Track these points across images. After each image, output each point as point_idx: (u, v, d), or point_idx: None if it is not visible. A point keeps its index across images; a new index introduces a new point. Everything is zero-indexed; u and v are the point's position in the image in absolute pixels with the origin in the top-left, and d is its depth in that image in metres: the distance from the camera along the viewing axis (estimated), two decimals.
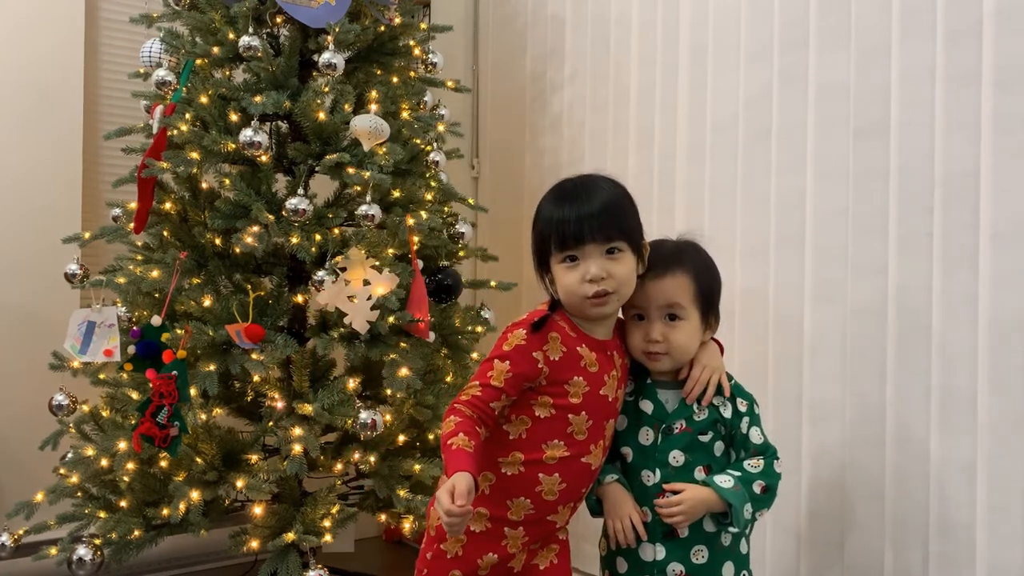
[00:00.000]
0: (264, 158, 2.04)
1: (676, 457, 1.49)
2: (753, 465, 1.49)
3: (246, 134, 1.98)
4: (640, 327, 1.52)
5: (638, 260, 1.46)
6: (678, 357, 1.51)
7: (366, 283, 2.00)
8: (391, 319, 2.02)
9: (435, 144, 2.35)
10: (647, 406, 1.53)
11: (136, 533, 2.03)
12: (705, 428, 1.50)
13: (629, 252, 1.43)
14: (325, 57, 2.04)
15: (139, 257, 2.21)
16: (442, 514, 1.23)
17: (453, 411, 1.39)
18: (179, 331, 1.95)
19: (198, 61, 2.19)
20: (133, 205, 2.14)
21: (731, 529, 1.47)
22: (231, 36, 2.11)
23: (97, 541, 2.04)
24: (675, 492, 1.46)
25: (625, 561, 1.52)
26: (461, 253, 2.39)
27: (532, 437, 1.42)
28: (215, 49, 2.15)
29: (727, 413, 1.52)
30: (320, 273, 1.98)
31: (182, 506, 1.90)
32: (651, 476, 1.50)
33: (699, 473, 1.48)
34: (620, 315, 1.55)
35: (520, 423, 1.43)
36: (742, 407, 1.53)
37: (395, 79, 2.31)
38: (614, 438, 1.54)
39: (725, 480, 1.46)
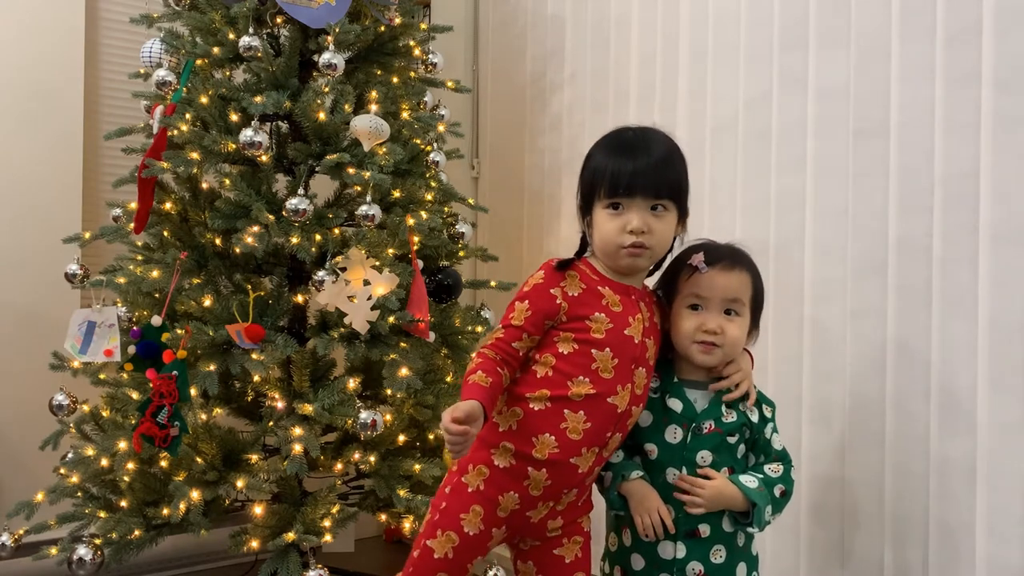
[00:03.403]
0: (264, 158, 2.04)
1: (704, 457, 1.50)
2: (773, 470, 1.52)
3: (246, 134, 1.99)
4: (695, 316, 1.52)
5: (680, 222, 1.51)
6: (729, 352, 1.52)
7: (366, 283, 2.00)
8: (391, 319, 2.02)
9: (435, 144, 2.35)
10: (676, 404, 1.53)
11: (136, 533, 2.03)
12: (734, 430, 1.51)
13: (673, 212, 1.47)
14: (325, 57, 2.04)
15: (139, 257, 2.21)
16: (443, 432, 1.28)
17: (478, 354, 1.44)
18: (179, 331, 1.95)
19: (198, 61, 2.20)
20: (133, 205, 2.14)
21: (749, 529, 1.48)
22: (231, 36, 2.12)
23: (97, 541, 2.04)
24: (706, 478, 1.48)
25: (642, 558, 1.52)
26: (461, 253, 2.39)
27: (558, 373, 1.43)
28: (215, 49, 2.15)
29: (754, 417, 1.53)
30: (320, 273, 1.98)
31: (182, 506, 1.90)
32: (677, 475, 1.50)
33: (724, 474, 1.49)
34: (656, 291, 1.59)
35: (546, 362, 1.45)
36: (767, 413, 1.55)
37: (395, 79, 2.31)
38: (636, 434, 1.54)
39: (750, 480, 1.48)
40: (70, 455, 2.14)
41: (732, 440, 1.51)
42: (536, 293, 1.45)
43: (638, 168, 1.43)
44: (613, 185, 1.43)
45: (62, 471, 2.13)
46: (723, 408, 1.51)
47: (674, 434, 1.51)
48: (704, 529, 1.48)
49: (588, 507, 1.57)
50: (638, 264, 1.47)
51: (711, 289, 1.51)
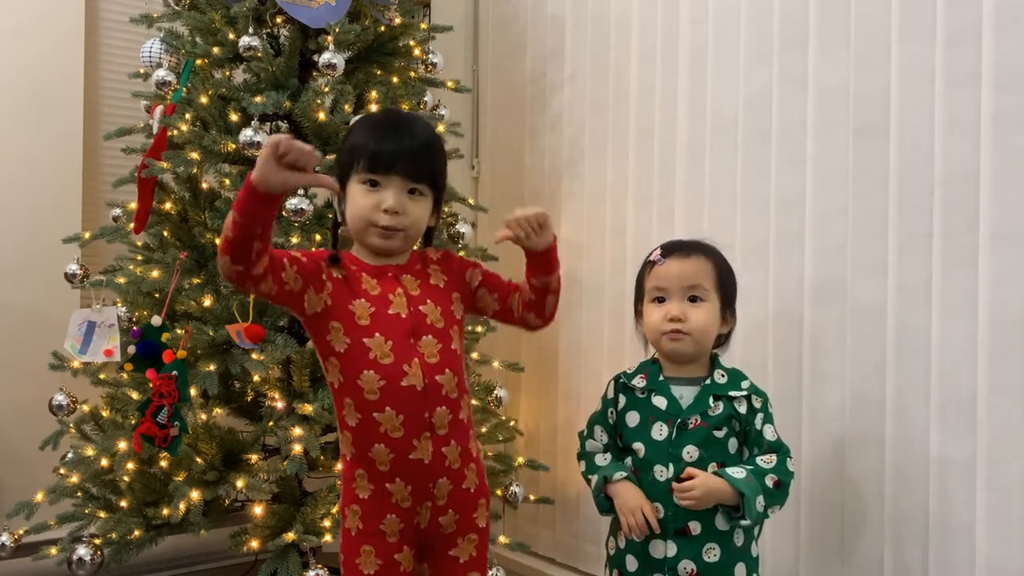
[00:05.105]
0: None
1: (690, 452, 1.50)
2: (766, 461, 1.51)
3: (246, 134, 1.98)
4: (659, 308, 1.54)
5: (434, 211, 1.48)
6: (699, 339, 1.53)
7: None
8: None
9: None
10: (660, 401, 1.54)
11: (136, 533, 2.03)
12: (720, 424, 1.51)
13: (429, 198, 1.45)
14: (325, 57, 2.04)
15: (139, 257, 2.21)
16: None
17: None
18: (179, 331, 1.95)
19: (198, 61, 2.20)
20: (133, 205, 2.14)
21: (743, 522, 1.47)
22: (231, 36, 2.12)
23: (97, 541, 2.04)
24: (690, 478, 1.47)
25: (635, 559, 1.52)
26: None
27: (347, 377, 1.39)
28: (215, 49, 2.15)
29: (742, 409, 1.53)
30: None
31: (182, 506, 1.90)
32: (664, 471, 1.50)
33: (712, 469, 1.49)
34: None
35: (332, 367, 1.41)
36: (756, 404, 1.55)
37: (395, 79, 2.31)
38: (624, 434, 1.55)
39: (737, 472, 1.47)
40: (70, 455, 2.14)
41: (719, 434, 1.51)
42: (311, 254, 1.42)
43: (400, 149, 1.40)
44: (372, 161, 1.40)
45: (62, 471, 2.13)
46: (710, 402, 1.52)
47: (660, 431, 1.52)
48: (694, 527, 1.48)
49: (481, 494, 1.48)
50: (390, 245, 1.43)
51: (669, 279, 1.53)
